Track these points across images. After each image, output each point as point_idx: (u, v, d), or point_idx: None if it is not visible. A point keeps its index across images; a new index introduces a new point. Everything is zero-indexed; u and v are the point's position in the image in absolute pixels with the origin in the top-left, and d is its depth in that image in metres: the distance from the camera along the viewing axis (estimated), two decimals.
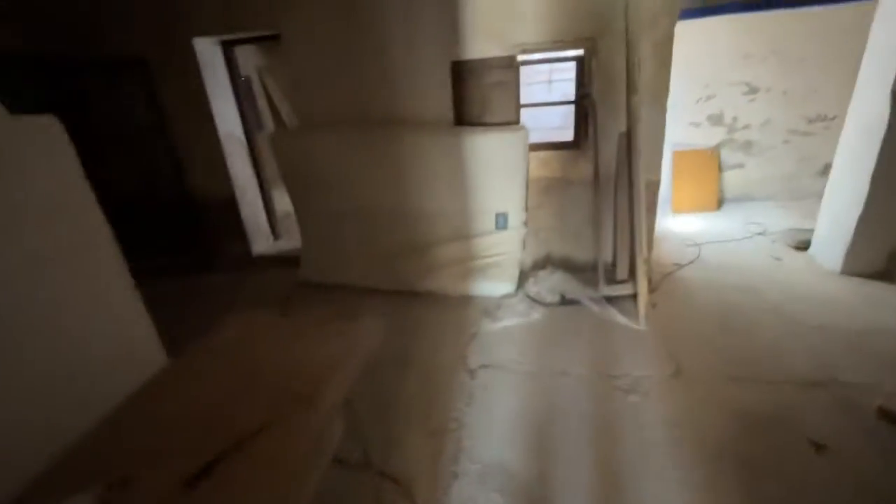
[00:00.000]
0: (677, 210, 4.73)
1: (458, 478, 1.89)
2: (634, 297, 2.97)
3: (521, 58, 3.17)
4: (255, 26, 3.43)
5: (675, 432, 2.03)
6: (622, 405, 2.22)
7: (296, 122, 4.36)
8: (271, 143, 3.54)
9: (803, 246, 3.64)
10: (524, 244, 3.44)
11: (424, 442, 2.09)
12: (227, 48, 3.90)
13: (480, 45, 3.10)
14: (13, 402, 1.38)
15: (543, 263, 3.59)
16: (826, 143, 4.48)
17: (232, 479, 1.08)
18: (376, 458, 1.98)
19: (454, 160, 3.20)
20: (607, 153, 3.13)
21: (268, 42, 3.61)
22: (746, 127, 4.65)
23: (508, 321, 3.02)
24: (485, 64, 3.13)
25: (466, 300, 3.33)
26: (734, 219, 4.45)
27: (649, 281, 3.10)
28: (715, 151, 4.74)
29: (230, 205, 4.09)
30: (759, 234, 4.05)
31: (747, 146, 4.71)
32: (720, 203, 4.82)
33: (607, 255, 3.35)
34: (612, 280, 3.20)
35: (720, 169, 4.80)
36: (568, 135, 3.63)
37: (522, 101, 3.30)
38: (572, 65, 3.43)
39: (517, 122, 3.28)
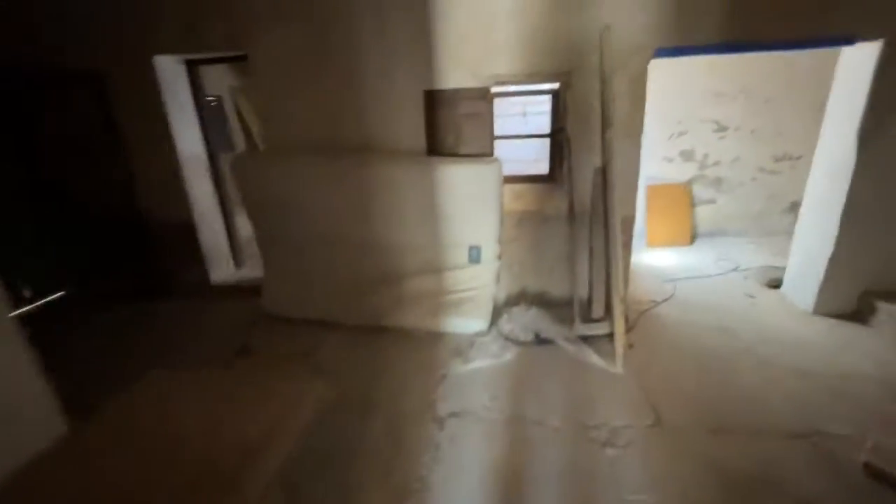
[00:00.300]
0: (651, 244, 4.72)
1: None
2: (611, 336, 2.86)
3: (495, 89, 3.11)
4: (221, 47, 3.28)
5: (655, 494, 1.88)
6: (600, 460, 2.05)
7: (266, 145, 4.18)
8: (232, 166, 3.34)
9: (775, 284, 3.64)
10: (498, 278, 3.31)
11: None
12: (192, 67, 3.73)
13: (454, 75, 3.03)
14: None
15: (517, 299, 3.46)
16: (792, 182, 4.58)
17: None
18: None
19: (426, 190, 3.07)
20: (582, 187, 3.07)
21: (241, 62, 3.45)
22: (717, 163, 4.72)
23: (480, 362, 2.84)
24: (459, 94, 3.06)
25: (437, 337, 3.15)
26: (707, 254, 4.45)
27: (626, 319, 3.00)
28: (687, 186, 4.79)
29: (188, 229, 3.83)
30: (732, 270, 4.04)
31: (718, 182, 4.78)
32: (693, 238, 4.84)
33: (583, 292, 3.25)
34: (587, 318, 3.08)
35: (693, 204, 4.84)
36: (543, 167, 3.57)
37: (497, 132, 3.22)
38: (547, 98, 3.40)
39: (491, 153, 3.19)
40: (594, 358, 2.80)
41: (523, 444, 2.17)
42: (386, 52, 3.03)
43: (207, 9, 3.15)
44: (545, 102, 3.52)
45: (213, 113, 6.10)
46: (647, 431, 2.22)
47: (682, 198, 4.76)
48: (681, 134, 4.68)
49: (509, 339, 3.04)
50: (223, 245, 4.21)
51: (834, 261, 3.03)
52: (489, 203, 3.03)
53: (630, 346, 2.90)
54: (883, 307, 2.96)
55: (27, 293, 3.63)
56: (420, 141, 3.20)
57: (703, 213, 4.89)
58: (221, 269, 4.16)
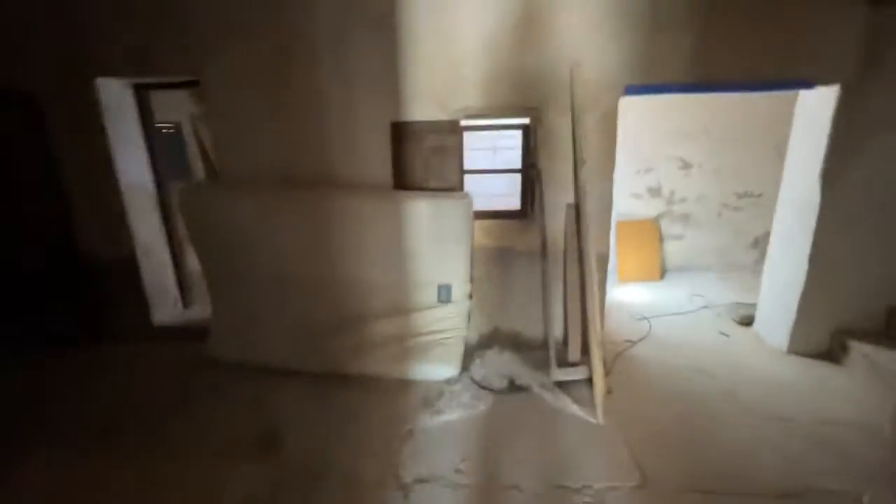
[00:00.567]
0: (623, 279, 4.67)
1: None
2: (589, 380, 2.69)
3: (464, 123, 3.01)
4: (174, 71, 3.06)
5: None
6: None
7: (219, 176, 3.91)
8: (178, 198, 3.06)
9: (747, 321, 3.60)
10: (469, 319, 3.11)
11: None
12: (143, 92, 3.48)
13: (422, 107, 2.91)
14: None
15: (489, 341, 3.26)
16: (755, 218, 4.69)
17: None
18: None
19: (393, 226, 2.88)
20: (555, 224, 2.95)
21: (198, 87, 3.23)
22: (683, 200, 4.78)
23: (451, 414, 2.59)
24: (427, 127, 2.93)
25: (404, 385, 2.89)
26: (677, 289, 4.42)
27: (604, 363, 2.85)
28: (656, 222, 4.82)
29: (129, 266, 3.46)
30: (704, 307, 4.00)
31: (685, 218, 4.83)
32: (663, 273, 4.83)
33: (558, 332, 3.09)
34: (564, 362, 2.90)
35: (661, 239, 4.85)
36: (514, 202, 3.46)
37: (466, 166, 3.11)
38: (517, 133, 3.33)
39: (461, 187, 3.06)
40: (573, 407, 2.61)
41: None
42: (349, 79, 2.89)
43: (158, 29, 2.94)
44: (515, 137, 3.46)
45: (170, 141, 5.79)
46: (633, 494, 2.01)
47: (651, 233, 4.76)
48: (648, 170, 4.74)
49: (482, 387, 2.82)
50: (170, 283, 3.83)
51: (805, 299, 3.02)
52: (460, 239, 2.87)
53: (609, 391, 2.73)
54: (855, 346, 2.94)
55: None
56: (386, 174, 3.04)
57: (671, 248, 4.91)
58: (167, 309, 3.78)
